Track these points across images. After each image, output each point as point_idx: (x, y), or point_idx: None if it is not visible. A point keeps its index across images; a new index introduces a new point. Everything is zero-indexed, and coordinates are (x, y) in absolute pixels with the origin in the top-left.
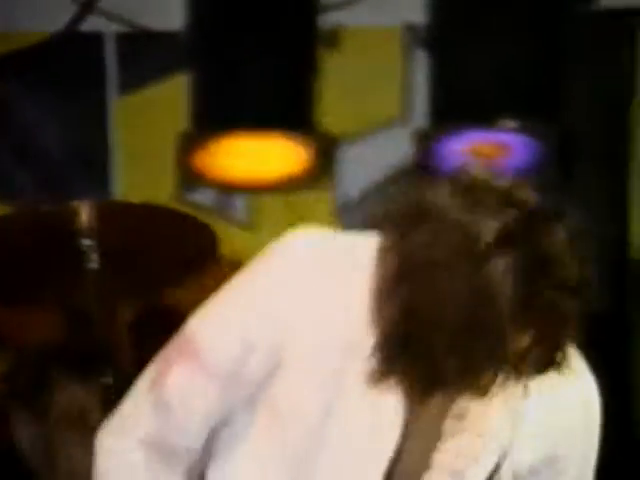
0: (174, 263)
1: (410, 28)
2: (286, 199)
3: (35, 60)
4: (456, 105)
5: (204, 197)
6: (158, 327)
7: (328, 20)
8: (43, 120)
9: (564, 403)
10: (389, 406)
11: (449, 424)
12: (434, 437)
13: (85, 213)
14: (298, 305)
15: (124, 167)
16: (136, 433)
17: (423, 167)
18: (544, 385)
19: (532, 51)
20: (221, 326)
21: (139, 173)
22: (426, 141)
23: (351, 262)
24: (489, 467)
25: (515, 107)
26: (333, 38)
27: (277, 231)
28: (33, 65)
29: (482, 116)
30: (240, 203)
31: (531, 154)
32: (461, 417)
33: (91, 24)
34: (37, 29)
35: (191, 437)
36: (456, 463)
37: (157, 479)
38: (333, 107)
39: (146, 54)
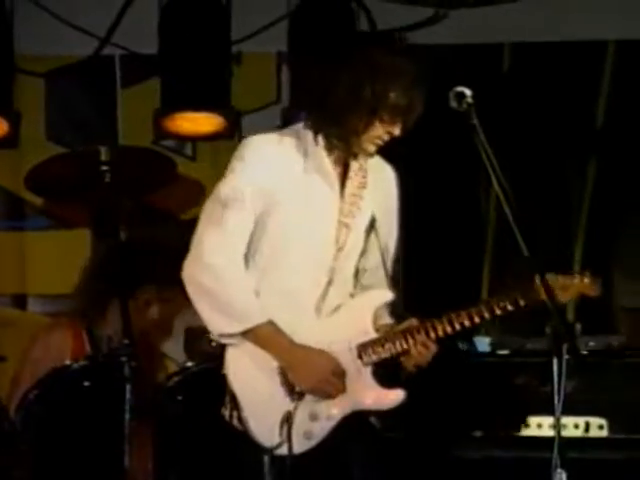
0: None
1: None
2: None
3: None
4: None
5: (169, 143)
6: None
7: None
8: None
9: (385, 176)
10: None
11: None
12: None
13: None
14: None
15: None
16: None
17: None
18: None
19: None
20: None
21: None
22: None
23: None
24: (369, 214)
25: None
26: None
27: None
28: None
29: None
30: (188, 146)
31: None
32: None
33: None
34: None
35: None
36: (353, 208)
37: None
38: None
39: None
